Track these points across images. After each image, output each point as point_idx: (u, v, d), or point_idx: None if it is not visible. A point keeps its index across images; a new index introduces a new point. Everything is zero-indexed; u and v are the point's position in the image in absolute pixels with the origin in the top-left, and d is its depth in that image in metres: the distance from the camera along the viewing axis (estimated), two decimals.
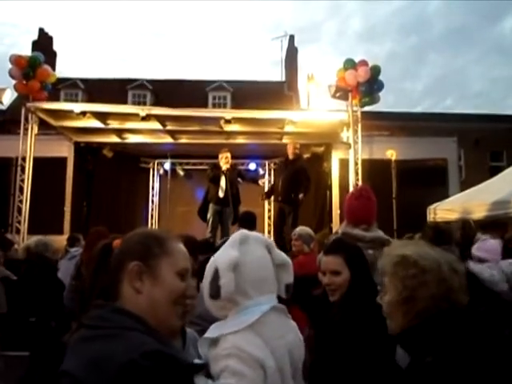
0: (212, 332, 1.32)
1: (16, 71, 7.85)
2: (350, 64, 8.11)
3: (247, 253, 1.36)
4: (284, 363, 1.29)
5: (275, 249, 1.46)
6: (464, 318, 1.36)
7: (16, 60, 7.88)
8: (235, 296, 1.30)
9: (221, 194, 7.63)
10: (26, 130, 8.17)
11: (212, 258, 1.40)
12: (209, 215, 7.72)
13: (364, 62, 8.08)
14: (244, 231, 1.46)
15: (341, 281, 2.19)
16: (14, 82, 8.04)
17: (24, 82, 7.96)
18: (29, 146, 8.15)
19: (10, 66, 7.91)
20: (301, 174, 7.72)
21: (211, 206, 7.74)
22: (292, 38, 23.96)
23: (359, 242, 2.71)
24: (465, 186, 9.76)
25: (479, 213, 7.05)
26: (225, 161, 7.65)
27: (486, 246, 3.53)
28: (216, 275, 1.31)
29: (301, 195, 7.60)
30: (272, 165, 11.13)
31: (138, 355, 0.93)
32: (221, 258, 1.34)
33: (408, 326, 1.39)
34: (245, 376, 1.17)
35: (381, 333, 1.61)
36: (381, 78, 8.24)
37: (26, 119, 8.18)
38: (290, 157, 7.80)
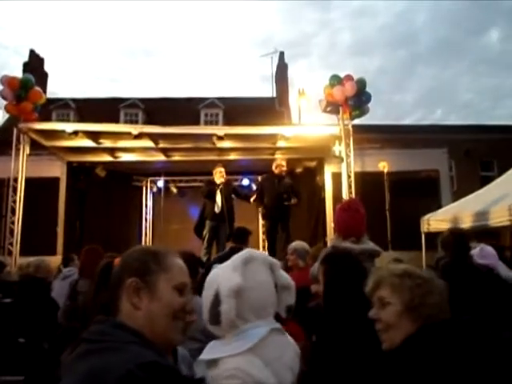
0: (208, 353, 1.31)
1: (8, 92, 7.86)
2: (335, 80, 8.21)
3: (250, 277, 1.35)
4: (286, 383, 1.30)
5: (279, 270, 1.45)
6: (460, 326, 1.41)
7: (8, 81, 7.90)
8: (235, 321, 1.30)
9: (217, 210, 7.63)
10: (17, 150, 8.15)
11: (212, 276, 1.38)
12: (205, 232, 7.71)
13: (349, 77, 8.19)
14: (249, 250, 1.45)
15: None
16: (4, 103, 8.05)
17: (14, 103, 7.96)
18: (21, 167, 8.12)
19: (0, 87, 7.94)
20: (291, 190, 7.74)
21: (207, 223, 7.73)
22: (282, 54, 24.28)
23: None
24: (457, 196, 9.86)
25: (471, 223, 7.11)
26: (219, 175, 7.69)
27: (486, 252, 3.69)
28: (217, 300, 1.30)
29: (294, 200, 7.60)
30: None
31: (135, 366, 0.93)
32: (223, 282, 1.32)
33: (414, 332, 1.42)
34: None
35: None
36: (371, 90, 8.36)
37: (18, 140, 8.16)
38: (278, 173, 7.78)
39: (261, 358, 1.26)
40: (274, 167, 7.88)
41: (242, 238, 4.80)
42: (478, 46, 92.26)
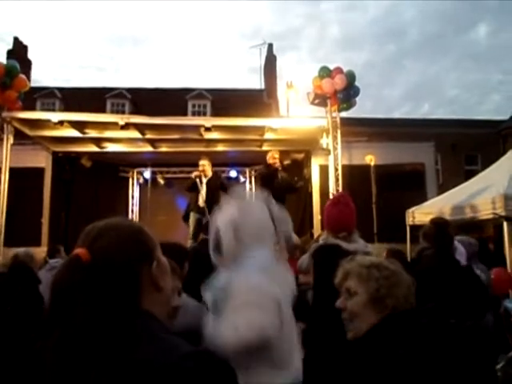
0: (221, 279, 1.43)
1: None
2: (325, 72, 8.19)
3: (245, 209, 1.50)
4: (289, 304, 1.44)
5: (274, 205, 1.62)
6: (424, 314, 1.45)
7: None
8: (237, 249, 1.43)
9: (201, 203, 7.62)
10: (1, 140, 7.99)
11: (214, 218, 1.54)
12: (190, 223, 7.72)
13: (339, 70, 8.18)
14: (244, 188, 1.59)
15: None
16: None
17: None
18: (5, 157, 7.97)
19: None
20: (288, 180, 7.94)
21: (192, 214, 7.73)
22: (271, 46, 24.19)
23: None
24: (442, 189, 9.97)
25: (455, 215, 7.20)
26: (200, 168, 7.70)
27: (458, 251, 3.85)
28: (217, 235, 1.45)
29: (300, 183, 8.00)
30: (253, 172, 11.15)
31: (179, 357, 0.88)
32: (221, 218, 1.48)
33: (378, 322, 1.45)
34: (263, 308, 1.27)
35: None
36: (359, 84, 8.37)
37: (2, 129, 8.01)
38: (272, 164, 7.87)
39: (270, 278, 1.38)
40: (267, 159, 7.96)
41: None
42: (465, 41, 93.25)
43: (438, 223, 3.58)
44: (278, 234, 1.54)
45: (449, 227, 3.53)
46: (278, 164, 7.89)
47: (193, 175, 7.76)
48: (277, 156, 7.97)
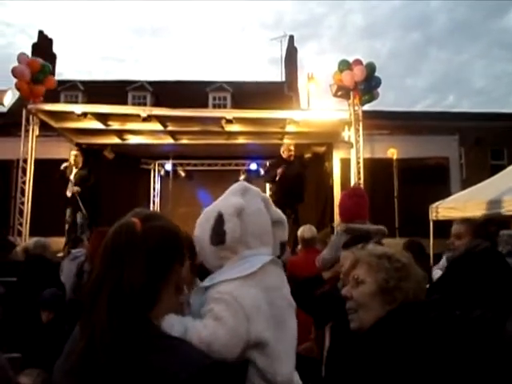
0: (210, 280, 1.28)
1: (24, 70, 7.68)
2: (344, 65, 8.11)
3: (249, 203, 1.33)
4: (282, 312, 1.26)
5: (272, 205, 1.43)
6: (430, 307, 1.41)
7: (29, 62, 7.84)
8: (237, 244, 1.26)
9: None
10: (26, 131, 8.17)
11: (211, 207, 1.37)
12: None
13: (358, 61, 8.09)
14: (243, 183, 1.44)
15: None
16: (14, 81, 7.82)
17: (28, 82, 7.84)
18: (30, 148, 8.14)
19: (15, 64, 7.68)
20: (298, 176, 7.83)
21: None
22: (291, 38, 23.95)
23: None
24: (466, 184, 9.76)
25: (480, 211, 7.04)
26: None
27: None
28: (220, 220, 1.26)
29: (279, 170, 7.61)
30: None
31: (197, 370, 0.89)
32: (225, 204, 1.30)
33: (385, 315, 1.39)
34: (225, 324, 1.11)
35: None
36: (382, 74, 8.26)
37: (27, 121, 8.18)
38: (286, 157, 7.86)
39: (259, 286, 1.22)
40: (282, 151, 7.90)
41: None
42: (496, 28, 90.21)
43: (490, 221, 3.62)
44: (275, 240, 1.37)
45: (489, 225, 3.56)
46: (291, 157, 7.87)
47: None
48: (292, 148, 7.95)
